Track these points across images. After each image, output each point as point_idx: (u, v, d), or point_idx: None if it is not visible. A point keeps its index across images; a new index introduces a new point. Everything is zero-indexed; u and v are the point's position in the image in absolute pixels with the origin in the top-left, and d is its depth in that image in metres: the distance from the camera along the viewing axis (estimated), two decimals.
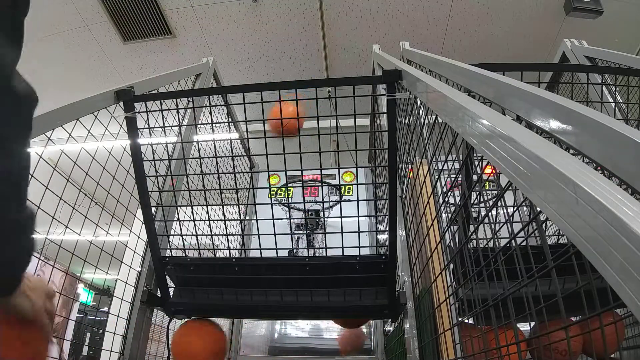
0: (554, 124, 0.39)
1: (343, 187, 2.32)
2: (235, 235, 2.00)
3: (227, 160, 1.63)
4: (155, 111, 1.17)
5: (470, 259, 0.81)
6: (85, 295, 6.78)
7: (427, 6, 3.07)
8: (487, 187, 1.55)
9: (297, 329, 2.41)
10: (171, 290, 1.38)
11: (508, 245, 0.66)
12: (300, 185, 2.31)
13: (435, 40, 3.35)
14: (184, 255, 1.32)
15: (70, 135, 1.04)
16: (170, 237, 1.40)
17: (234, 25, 3.25)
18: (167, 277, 1.35)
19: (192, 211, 1.27)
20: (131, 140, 1.15)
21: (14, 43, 0.39)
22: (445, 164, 0.81)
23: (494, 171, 0.71)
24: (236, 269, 1.29)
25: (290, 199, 2.25)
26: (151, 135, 1.18)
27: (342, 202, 1.37)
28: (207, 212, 1.27)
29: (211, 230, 1.28)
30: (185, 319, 1.44)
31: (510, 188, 0.60)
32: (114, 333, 1.22)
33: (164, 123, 1.17)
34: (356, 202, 1.23)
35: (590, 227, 0.26)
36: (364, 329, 2.24)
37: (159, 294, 1.35)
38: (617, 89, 1.65)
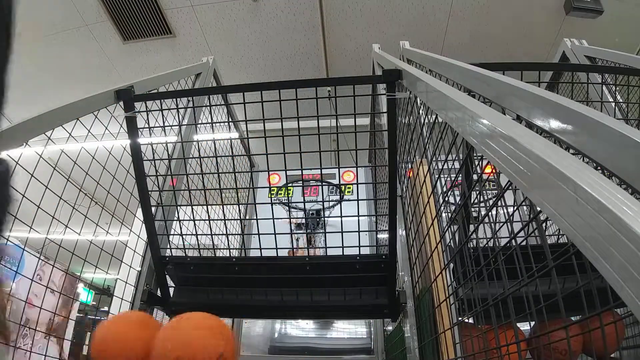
0: (554, 124, 0.39)
1: (343, 187, 2.32)
2: (235, 235, 2.00)
3: (227, 159, 1.63)
4: (155, 111, 1.17)
5: (470, 258, 0.81)
6: (85, 295, 6.79)
7: (427, 6, 3.07)
8: (487, 187, 1.55)
9: (297, 329, 2.40)
10: (171, 290, 1.38)
11: (508, 244, 0.66)
12: (301, 184, 2.31)
13: (435, 40, 3.35)
14: (184, 254, 1.32)
15: (70, 135, 1.04)
16: (170, 237, 1.40)
17: (233, 25, 3.25)
18: (167, 276, 1.35)
19: (192, 211, 1.27)
20: (131, 139, 1.15)
21: None
22: (445, 164, 0.81)
23: (494, 171, 0.71)
24: (236, 269, 1.29)
25: (290, 198, 2.25)
26: (151, 135, 1.18)
27: (342, 202, 1.37)
28: (207, 211, 1.27)
29: (211, 230, 1.28)
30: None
31: (510, 188, 0.60)
32: None
33: (164, 122, 1.17)
34: (356, 201, 1.23)
35: (590, 227, 0.26)
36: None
37: (159, 293, 1.35)
38: (617, 88, 1.65)
